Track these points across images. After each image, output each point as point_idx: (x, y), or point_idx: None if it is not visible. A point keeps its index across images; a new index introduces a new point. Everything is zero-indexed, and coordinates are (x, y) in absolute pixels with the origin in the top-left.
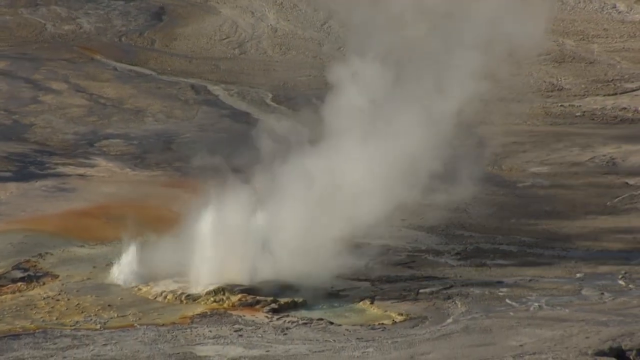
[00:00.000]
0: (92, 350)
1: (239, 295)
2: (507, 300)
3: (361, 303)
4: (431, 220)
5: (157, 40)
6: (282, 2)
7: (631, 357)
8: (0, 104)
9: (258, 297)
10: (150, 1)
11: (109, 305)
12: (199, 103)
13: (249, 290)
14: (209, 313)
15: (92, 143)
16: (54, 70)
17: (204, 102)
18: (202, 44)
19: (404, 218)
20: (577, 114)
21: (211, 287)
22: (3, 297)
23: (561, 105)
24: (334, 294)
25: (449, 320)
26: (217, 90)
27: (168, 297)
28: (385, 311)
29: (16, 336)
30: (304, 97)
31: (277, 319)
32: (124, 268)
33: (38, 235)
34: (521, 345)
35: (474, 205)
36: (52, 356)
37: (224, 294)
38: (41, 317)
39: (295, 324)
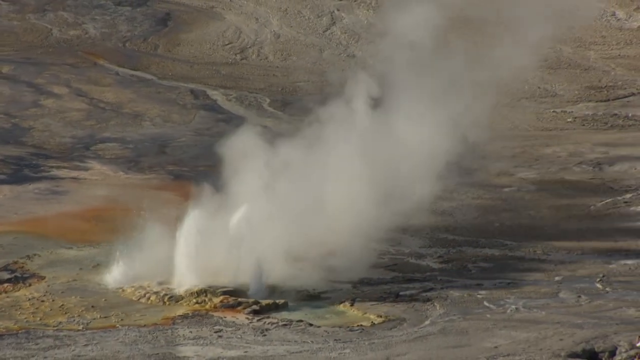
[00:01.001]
0: (73, 350)
1: (221, 297)
2: (485, 303)
3: (341, 305)
4: (416, 224)
5: (160, 46)
6: (286, 9)
7: (603, 359)
8: (1, 108)
9: (240, 299)
10: (157, 7)
11: (92, 307)
12: (196, 107)
13: (231, 292)
14: (190, 314)
15: (88, 147)
16: (56, 75)
17: (202, 106)
18: (204, 50)
19: (389, 221)
20: (569, 120)
21: (194, 289)
22: None
23: (553, 111)
24: (316, 296)
25: (427, 322)
26: (216, 95)
27: (151, 298)
28: (365, 313)
29: None
30: (300, 102)
31: (258, 320)
32: (109, 270)
33: (28, 237)
34: (496, 347)
35: (460, 209)
36: (33, 356)
37: (206, 296)
38: (25, 318)
39: (275, 325)
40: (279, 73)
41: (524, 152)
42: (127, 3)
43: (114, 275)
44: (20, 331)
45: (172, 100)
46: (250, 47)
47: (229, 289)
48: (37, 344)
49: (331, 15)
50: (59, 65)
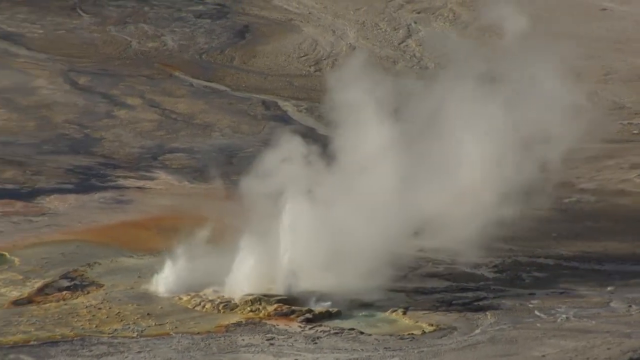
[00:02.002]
0: (125, 357)
1: (275, 305)
2: (536, 312)
3: (394, 313)
4: (474, 234)
5: (236, 58)
6: (364, 21)
7: None
8: (75, 119)
9: (293, 307)
10: (237, 20)
11: (148, 314)
12: (267, 119)
13: (285, 300)
14: (244, 322)
15: (156, 157)
16: (131, 86)
17: (272, 117)
18: (279, 62)
19: (446, 230)
20: (635, 132)
21: (248, 297)
22: (47, 305)
23: (620, 123)
24: (369, 305)
25: (477, 331)
26: (287, 106)
27: (206, 306)
28: (417, 322)
29: (54, 343)
30: None
31: (310, 329)
32: (166, 278)
33: (90, 245)
34: (543, 356)
35: (518, 219)
36: None
37: (260, 304)
38: (81, 325)
39: (326, 334)
40: None
41: (586, 163)
42: (207, 16)
43: (171, 284)
44: (75, 338)
45: (243, 112)
46: (325, 59)
47: (283, 297)
48: (90, 351)
49: (408, 28)
50: (135, 77)
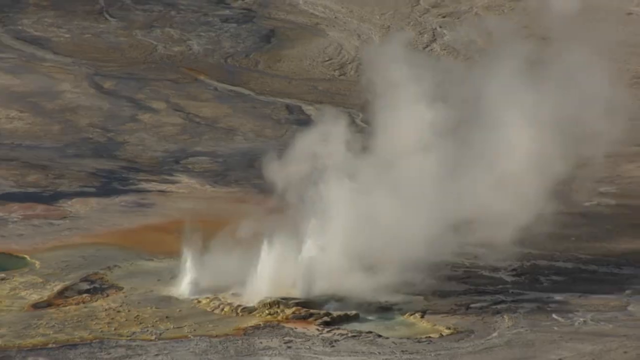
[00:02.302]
0: None
1: (293, 308)
2: (554, 315)
3: (412, 317)
4: (493, 238)
5: (261, 62)
6: (389, 26)
7: None
8: (99, 122)
9: (311, 310)
10: (262, 24)
11: (167, 317)
12: (290, 122)
13: (304, 303)
14: (262, 325)
15: (179, 160)
16: (156, 90)
17: (295, 121)
18: (304, 66)
19: (466, 235)
20: None
21: (267, 300)
22: (67, 308)
23: None
24: (388, 308)
25: (494, 334)
26: (311, 110)
27: (225, 309)
28: (434, 325)
29: (73, 346)
30: None
31: (327, 332)
32: (185, 281)
33: (110, 248)
34: (560, 359)
35: (538, 223)
36: None
37: (278, 307)
38: (100, 328)
39: (344, 337)
40: None
41: (607, 167)
42: (234, 20)
43: (190, 287)
44: (94, 341)
45: (266, 116)
46: (349, 63)
47: (301, 300)
48: (109, 354)
49: (433, 32)
50: (160, 81)
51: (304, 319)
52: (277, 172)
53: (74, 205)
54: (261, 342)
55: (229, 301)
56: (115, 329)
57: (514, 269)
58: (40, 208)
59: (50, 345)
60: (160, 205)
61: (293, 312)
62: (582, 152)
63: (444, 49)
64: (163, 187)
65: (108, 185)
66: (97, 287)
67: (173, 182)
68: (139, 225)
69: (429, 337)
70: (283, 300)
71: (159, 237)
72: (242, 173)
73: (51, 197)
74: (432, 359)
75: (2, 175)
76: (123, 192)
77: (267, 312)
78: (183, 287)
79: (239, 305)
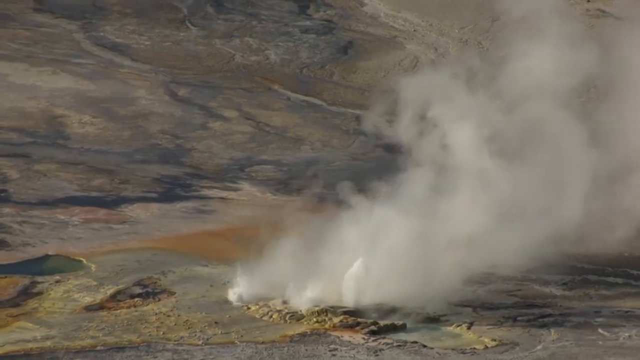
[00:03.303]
0: None
1: (341, 317)
2: (600, 330)
3: (458, 328)
4: (547, 252)
5: (336, 73)
6: (467, 40)
7: None
8: (170, 129)
9: (359, 319)
10: (341, 35)
11: (215, 323)
12: (358, 133)
13: (352, 312)
14: (309, 333)
15: (243, 168)
16: (229, 99)
17: (364, 132)
18: (378, 77)
19: (520, 248)
20: None
21: (315, 308)
22: (118, 311)
23: None
24: (435, 319)
25: (539, 347)
26: (380, 121)
27: (273, 316)
28: (480, 336)
29: (121, 349)
30: None
31: (373, 341)
32: (237, 287)
33: (166, 254)
34: None
35: (593, 238)
36: None
37: (326, 315)
38: (149, 332)
39: (389, 346)
40: None
41: None
42: (313, 31)
43: (241, 293)
44: (141, 344)
45: (335, 126)
46: None
47: (349, 309)
48: (155, 357)
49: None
50: (234, 90)
51: (351, 327)
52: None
53: (135, 210)
54: (306, 350)
55: (278, 308)
56: (163, 333)
57: (564, 283)
58: (101, 212)
59: (98, 348)
60: (220, 212)
61: (340, 321)
62: None
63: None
64: (224, 194)
65: (171, 191)
66: (149, 292)
67: (235, 190)
68: (197, 231)
69: (474, 348)
70: (331, 309)
71: (216, 244)
72: (305, 182)
73: (113, 202)
74: None
75: (67, 179)
76: (185, 198)
77: (315, 319)
78: (234, 294)
79: (288, 313)
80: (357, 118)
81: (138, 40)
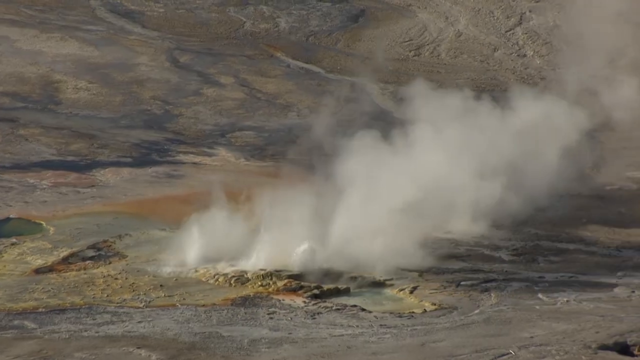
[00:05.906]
0: (125, 326)
1: (285, 281)
2: (539, 295)
3: (401, 292)
4: (506, 217)
5: (341, 40)
6: (480, 9)
7: (635, 352)
8: (162, 95)
9: (302, 283)
10: (355, 3)
11: (161, 285)
12: (348, 101)
13: (297, 276)
14: (251, 296)
15: (225, 134)
16: (229, 66)
17: (354, 99)
18: (382, 46)
19: (480, 213)
20: None
21: (260, 272)
22: (67, 274)
23: None
24: (381, 283)
25: (476, 311)
26: (374, 89)
27: (219, 279)
28: (421, 301)
29: (62, 311)
30: None
31: (313, 304)
32: (187, 251)
33: (126, 218)
34: (531, 337)
35: (554, 205)
36: (86, 331)
37: (271, 279)
38: (93, 294)
39: (327, 309)
40: (444, 70)
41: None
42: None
43: (191, 256)
44: (83, 306)
45: (327, 93)
46: (428, 44)
47: (294, 273)
48: (94, 319)
49: (520, 17)
50: (236, 57)
51: (294, 291)
52: None
53: (106, 175)
54: (245, 313)
55: (224, 272)
56: (107, 296)
57: (515, 249)
58: (72, 176)
59: (39, 310)
60: (189, 177)
61: (284, 284)
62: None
63: (525, 33)
64: (198, 159)
65: (146, 156)
66: (102, 255)
67: (210, 155)
68: (162, 196)
69: (412, 312)
70: (276, 272)
71: (178, 208)
72: (282, 148)
73: (87, 166)
74: (408, 334)
75: (47, 143)
76: (158, 163)
77: (259, 283)
78: (184, 257)
79: (233, 276)
80: (352, 85)
81: (153, 8)
